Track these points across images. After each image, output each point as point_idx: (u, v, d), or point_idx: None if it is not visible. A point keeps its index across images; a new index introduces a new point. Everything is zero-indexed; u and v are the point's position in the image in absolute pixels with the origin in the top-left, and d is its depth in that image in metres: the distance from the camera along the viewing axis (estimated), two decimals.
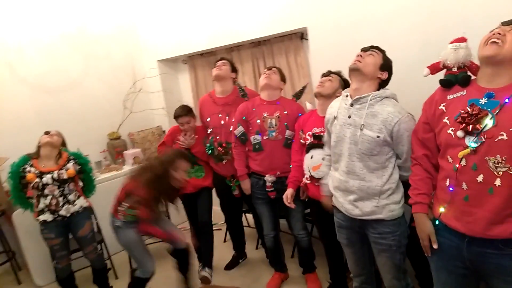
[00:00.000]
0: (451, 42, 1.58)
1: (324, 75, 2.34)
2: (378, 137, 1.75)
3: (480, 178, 1.35)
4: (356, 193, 1.85)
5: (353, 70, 1.80)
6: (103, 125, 4.15)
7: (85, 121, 3.99)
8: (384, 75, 1.81)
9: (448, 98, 1.50)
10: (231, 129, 2.80)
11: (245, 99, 2.76)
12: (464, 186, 1.40)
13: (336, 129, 1.90)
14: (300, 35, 3.35)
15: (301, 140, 2.46)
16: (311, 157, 2.33)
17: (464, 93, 1.46)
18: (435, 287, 1.65)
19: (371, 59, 1.79)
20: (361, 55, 1.81)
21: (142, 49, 4.57)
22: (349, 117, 1.82)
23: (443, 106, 1.50)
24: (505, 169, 1.29)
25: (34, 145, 2.76)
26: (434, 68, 1.65)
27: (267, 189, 2.66)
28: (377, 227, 1.83)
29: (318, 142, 2.30)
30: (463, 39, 1.56)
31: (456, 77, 1.51)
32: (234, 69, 2.96)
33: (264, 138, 2.60)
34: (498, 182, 1.31)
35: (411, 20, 2.57)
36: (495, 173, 1.31)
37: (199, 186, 3.05)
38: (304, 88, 2.76)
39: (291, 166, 2.54)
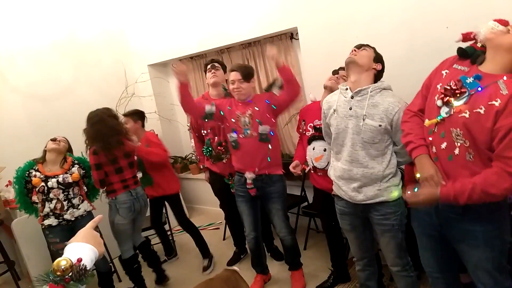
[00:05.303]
0: (495, 20, 1.55)
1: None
2: (380, 126, 1.88)
3: (443, 145, 1.53)
4: (360, 180, 1.97)
5: (350, 63, 1.93)
6: None
7: (78, 128, 3.89)
8: (379, 66, 1.96)
9: (453, 66, 1.60)
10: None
11: (227, 98, 2.83)
12: (434, 149, 1.59)
13: (336, 121, 2.01)
14: (290, 35, 3.48)
15: (300, 130, 2.57)
16: (313, 149, 2.46)
17: (466, 70, 1.55)
18: (419, 252, 1.83)
19: (364, 52, 1.95)
20: (355, 50, 1.96)
21: (132, 54, 4.62)
22: (350, 108, 1.94)
23: (445, 72, 1.62)
24: (462, 142, 1.48)
25: (29, 153, 2.79)
26: (466, 36, 1.68)
27: (247, 186, 2.66)
28: (380, 209, 1.96)
29: (319, 134, 2.42)
30: (507, 23, 1.53)
31: (473, 51, 1.58)
32: (225, 69, 3.06)
33: (240, 136, 2.61)
34: (456, 151, 1.50)
35: (398, 18, 2.73)
36: (456, 143, 1.50)
37: (156, 195, 3.35)
38: (275, 81, 2.75)
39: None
